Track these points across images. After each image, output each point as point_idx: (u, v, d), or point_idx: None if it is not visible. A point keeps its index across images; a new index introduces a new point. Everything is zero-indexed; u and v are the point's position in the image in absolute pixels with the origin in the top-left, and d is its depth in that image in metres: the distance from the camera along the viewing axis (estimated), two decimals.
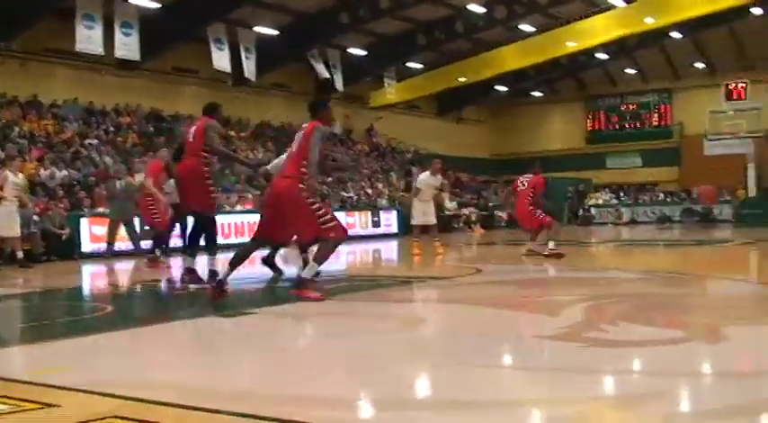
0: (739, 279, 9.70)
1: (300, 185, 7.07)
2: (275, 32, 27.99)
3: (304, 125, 7.45)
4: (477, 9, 29.45)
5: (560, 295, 7.32)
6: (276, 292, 8.84)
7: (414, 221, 14.61)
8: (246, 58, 27.75)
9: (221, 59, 26.92)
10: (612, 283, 8.95)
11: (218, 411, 3.32)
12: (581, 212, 34.23)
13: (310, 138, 7.18)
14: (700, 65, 38.37)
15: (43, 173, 19.03)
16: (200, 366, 4.61)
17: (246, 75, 27.94)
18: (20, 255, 14.05)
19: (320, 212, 7.13)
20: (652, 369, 4.30)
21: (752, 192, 28.78)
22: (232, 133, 27.46)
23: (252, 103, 30.27)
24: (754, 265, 12.57)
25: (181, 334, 6.09)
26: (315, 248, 7.59)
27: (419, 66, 34.42)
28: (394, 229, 26.30)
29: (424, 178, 14.60)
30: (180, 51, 26.88)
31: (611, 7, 29.36)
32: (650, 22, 28.18)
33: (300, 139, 7.28)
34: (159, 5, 24.37)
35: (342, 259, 15.33)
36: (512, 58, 32.05)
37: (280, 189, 7.25)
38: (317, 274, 7.48)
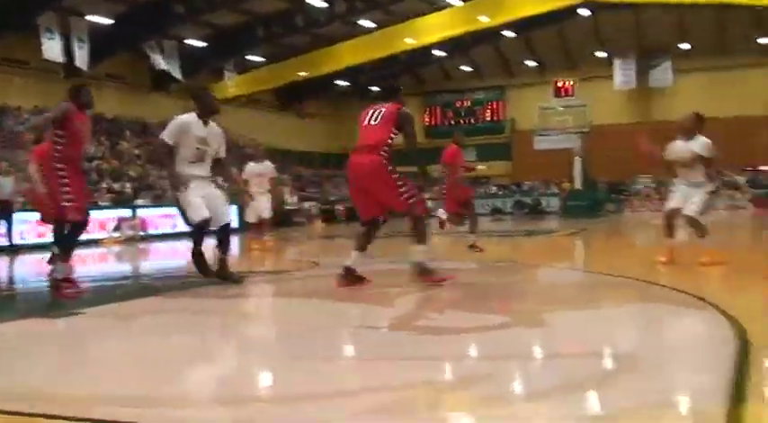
0: (565, 267, 10.23)
1: (384, 161, 7.16)
2: (109, 21, 27.04)
3: (380, 106, 7.46)
4: (318, 3, 29.53)
5: (394, 286, 7.48)
6: (129, 289, 8.62)
7: (247, 217, 14.02)
8: (79, 47, 26.67)
9: (52, 49, 25.78)
10: (444, 272, 9.21)
11: (18, 413, 3.23)
12: None
13: (396, 118, 7.28)
14: (531, 63, 40.04)
15: None
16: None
17: (78, 64, 26.85)
18: None
19: (405, 188, 7.18)
20: (478, 354, 4.48)
21: (577, 184, 30.31)
22: None
23: None
24: (578, 254, 13.27)
25: None
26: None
27: (260, 59, 34.15)
28: (234, 224, 25.92)
29: (249, 167, 13.95)
30: (8, 41, 25.51)
31: (448, 6, 30.16)
32: (484, 20, 29.15)
33: (383, 118, 7.29)
34: None
35: (176, 255, 15.03)
36: (351, 53, 32.38)
37: (364, 166, 7.25)
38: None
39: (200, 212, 7.72)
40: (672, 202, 8.90)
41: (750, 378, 3.46)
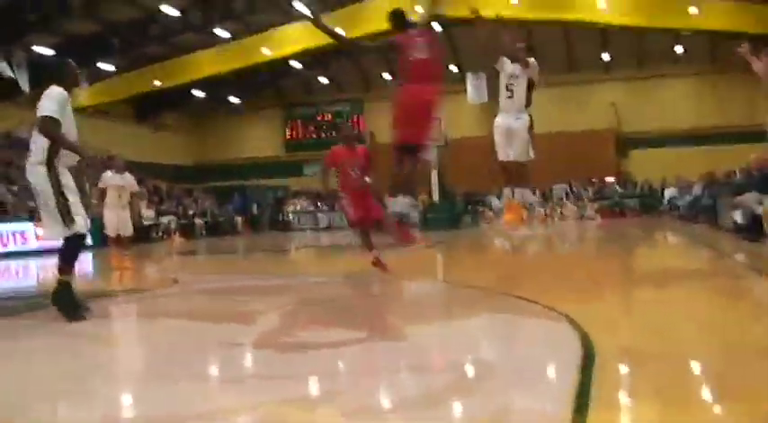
0: (424, 279, 10.44)
1: None
2: None
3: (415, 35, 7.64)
4: (172, 12, 29.00)
5: (255, 303, 7.45)
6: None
7: (107, 231, 13.09)
8: None
9: None
10: (306, 288, 9.25)
11: None
12: (281, 218, 34.96)
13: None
14: (388, 76, 40.64)
15: None
16: None
17: None
18: None
19: None
20: (341, 369, 4.54)
21: (435, 197, 30.93)
22: None
23: None
24: (437, 266, 13.57)
25: None
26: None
27: (112, 68, 33.18)
28: (89, 240, 25.06)
29: (108, 177, 12.87)
30: None
31: (304, 18, 30.25)
32: (340, 33, 29.36)
33: (430, 48, 7.54)
34: None
35: (30, 274, 14.41)
36: (208, 63, 32.01)
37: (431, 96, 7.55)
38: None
39: (85, 221, 6.69)
40: (500, 151, 9.34)
41: (595, 386, 3.66)
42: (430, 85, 7.50)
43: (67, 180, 6.61)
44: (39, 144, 6.54)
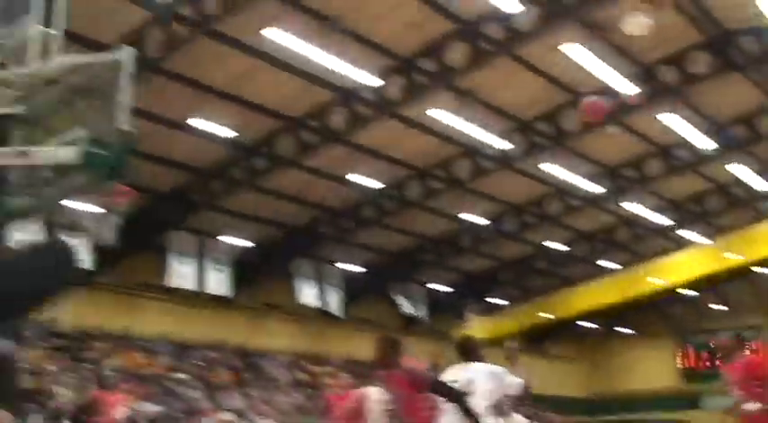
0: None
1: None
2: (361, 269, 28.80)
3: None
4: (558, 247, 29.94)
5: None
6: None
7: None
8: (332, 294, 28.42)
9: (308, 295, 27.65)
10: None
11: None
12: None
13: None
14: None
15: (133, 408, 19.19)
16: None
17: (332, 310, 28.49)
18: None
19: None
20: None
21: None
22: (317, 369, 27.60)
23: (337, 339, 30.52)
24: None
25: None
26: None
27: (503, 302, 34.54)
28: None
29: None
30: (269, 287, 27.70)
31: (692, 244, 29.44)
32: (733, 258, 28.01)
33: None
34: (251, 244, 25.61)
35: None
36: (595, 294, 31.95)
37: None
38: None
39: None
40: None
41: None
42: None
43: None
44: None
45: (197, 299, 25.62)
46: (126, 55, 6.81)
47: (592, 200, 26.78)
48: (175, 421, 19.58)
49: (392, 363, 6.89)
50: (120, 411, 14.24)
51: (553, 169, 24.19)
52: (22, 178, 7.55)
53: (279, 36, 16.64)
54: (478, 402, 6.73)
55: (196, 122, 19.61)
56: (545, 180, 25.52)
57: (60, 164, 7.09)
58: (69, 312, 22.63)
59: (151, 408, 19.62)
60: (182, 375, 22.81)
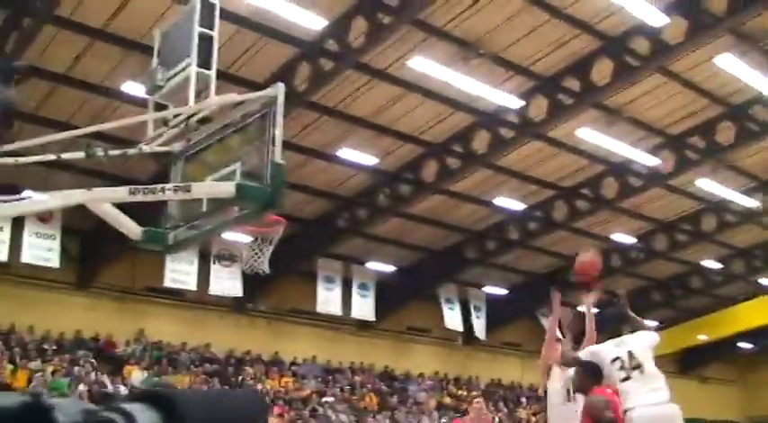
0: None
1: None
2: (505, 292, 28.50)
3: None
4: (713, 265, 28.75)
5: None
6: None
7: None
8: (477, 317, 28.25)
9: (453, 319, 27.55)
10: None
11: None
12: None
13: None
14: None
15: None
16: None
17: (477, 333, 28.28)
18: None
19: None
20: None
21: None
22: (462, 392, 27.47)
23: (482, 362, 30.28)
24: None
25: None
26: None
27: (654, 323, 33.35)
28: None
29: None
30: (413, 311, 27.84)
31: None
32: None
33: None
34: (394, 268, 25.80)
35: None
36: (754, 313, 30.39)
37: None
38: None
39: None
40: None
41: None
42: None
43: None
44: None
45: (342, 323, 26.04)
46: (278, 91, 7.00)
47: (747, 215, 25.56)
48: None
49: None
50: None
51: (705, 184, 23.22)
52: (182, 212, 7.86)
53: (422, 64, 16.82)
54: None
55: (343, 152, 20.03)
56: (696, 195, 24.57)
57: (218, 197, 7.34)
58: (222, 338, 23.52)
59: None
60: (329, 399, 23.13)
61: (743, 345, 35.66)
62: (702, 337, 32.22)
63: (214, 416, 0.93)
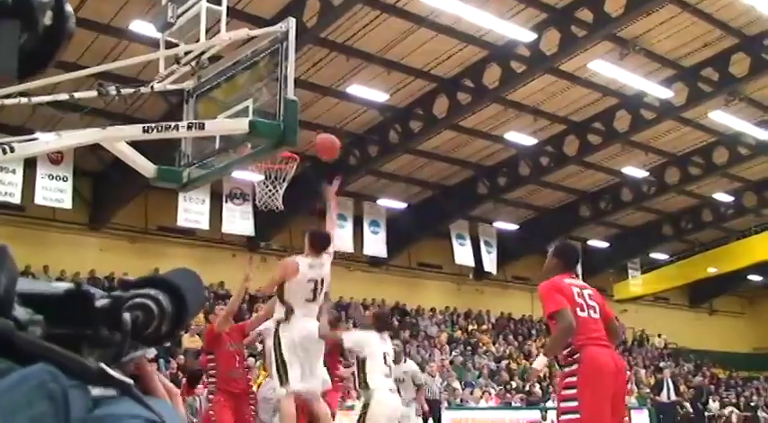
0: None
1: None
2: (515, 227, 28.58)
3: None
4: (725, 198, 28.63)
5: None
6: None
7: None
8: (487, 252, 28.35)
9: (463, 255, 27.67)
10: None
11: None
12: None
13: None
14: None
15: None
16: None
17: (487, 268, 28.44)
18: None
19: None
20: None
21: None
22: (473, 327, 27.78)
23: (493, 296, 30.54)
24: None
25: None
26: None
27: (665, 256, 33.46)
28: None
29: None
30: (423, 247, 27.99)
31: None
32: None
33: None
34: (405, 205, 25.85)
35: None
36: (765, 246, 30.36)
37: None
38: None
39: None
40: None
41: None
42: None
43: None
44: None
45: (354, 260, 26.20)
46: (289, 26, 6.92)
47: (760, 147, 25.34)
48: None
49: None
50: None
51: (718, 116, 23.00)
52: (195, 150, 7.86)
53: None
54: None
55: (352, 89, 19.89)
56: (709, 128, 24.37)
57: (230, 135, 7.33)
58: (236, 276, 23.67)
59: None
60: None
61: (753, 277, 35.76)
62: (712, 270, 32.27)
63: (195, 296, 1.10)
